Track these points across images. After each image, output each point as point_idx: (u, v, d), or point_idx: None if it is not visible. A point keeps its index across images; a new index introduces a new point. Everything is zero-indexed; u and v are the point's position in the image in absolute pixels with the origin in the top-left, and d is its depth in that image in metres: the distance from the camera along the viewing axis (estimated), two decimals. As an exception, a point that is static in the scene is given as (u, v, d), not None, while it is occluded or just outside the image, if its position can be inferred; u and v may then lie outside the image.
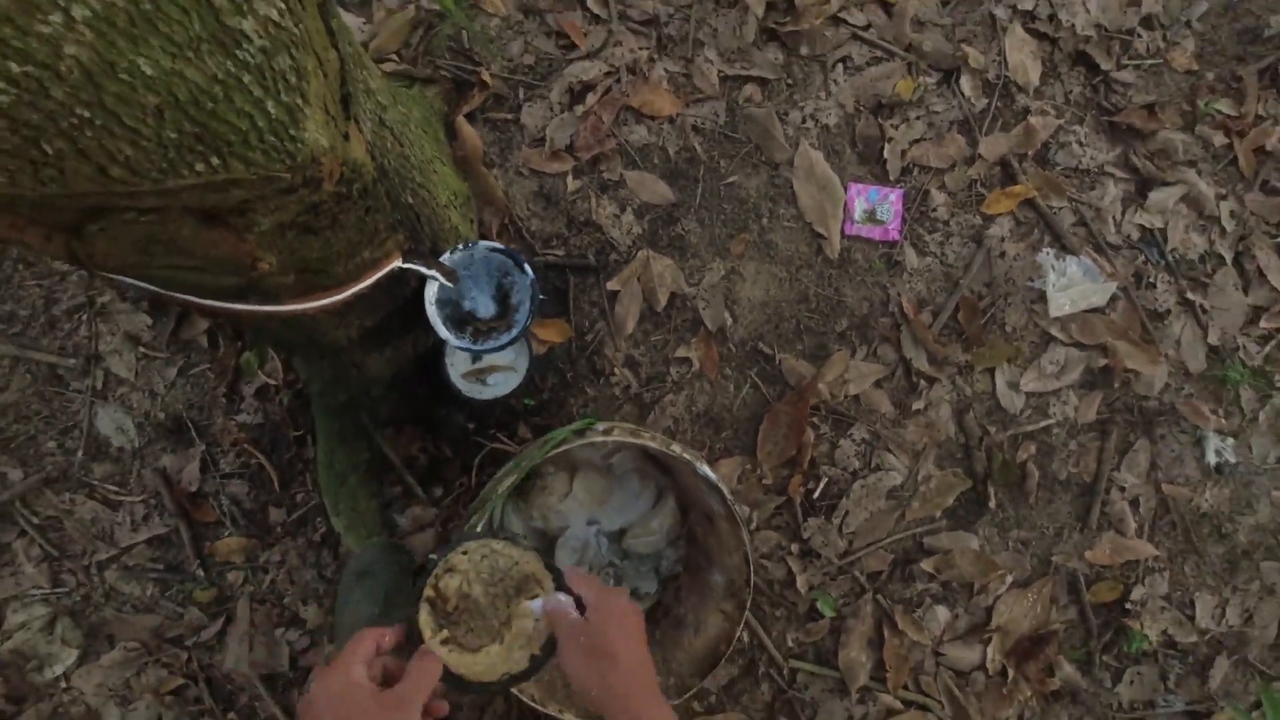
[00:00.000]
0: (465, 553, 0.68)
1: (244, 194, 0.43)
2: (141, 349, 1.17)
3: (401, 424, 1.14)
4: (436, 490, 1.17)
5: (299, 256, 0.60)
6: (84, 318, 1.17)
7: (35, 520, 1.15)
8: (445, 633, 0.65)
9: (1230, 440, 1.30)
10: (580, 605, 0.67)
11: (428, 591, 0.66)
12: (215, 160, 0.39)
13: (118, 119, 0.35)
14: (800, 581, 1.21)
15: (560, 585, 0.69)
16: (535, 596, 0.68)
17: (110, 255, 0.46)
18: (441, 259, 0.88)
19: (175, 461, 1.16)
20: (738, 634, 0.91)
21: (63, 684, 1.14)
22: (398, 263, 0.78)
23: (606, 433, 0.86)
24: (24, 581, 1.14)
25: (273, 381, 1.15)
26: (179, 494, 1.15)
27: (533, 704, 0.89)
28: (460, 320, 0.96)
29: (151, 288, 0.57)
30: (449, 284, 0.85)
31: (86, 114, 0.35)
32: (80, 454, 1.16)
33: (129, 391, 1.17)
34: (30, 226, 0.44)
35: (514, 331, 0.93)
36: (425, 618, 0.65)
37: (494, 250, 0.93)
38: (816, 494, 1.22)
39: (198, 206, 0.44)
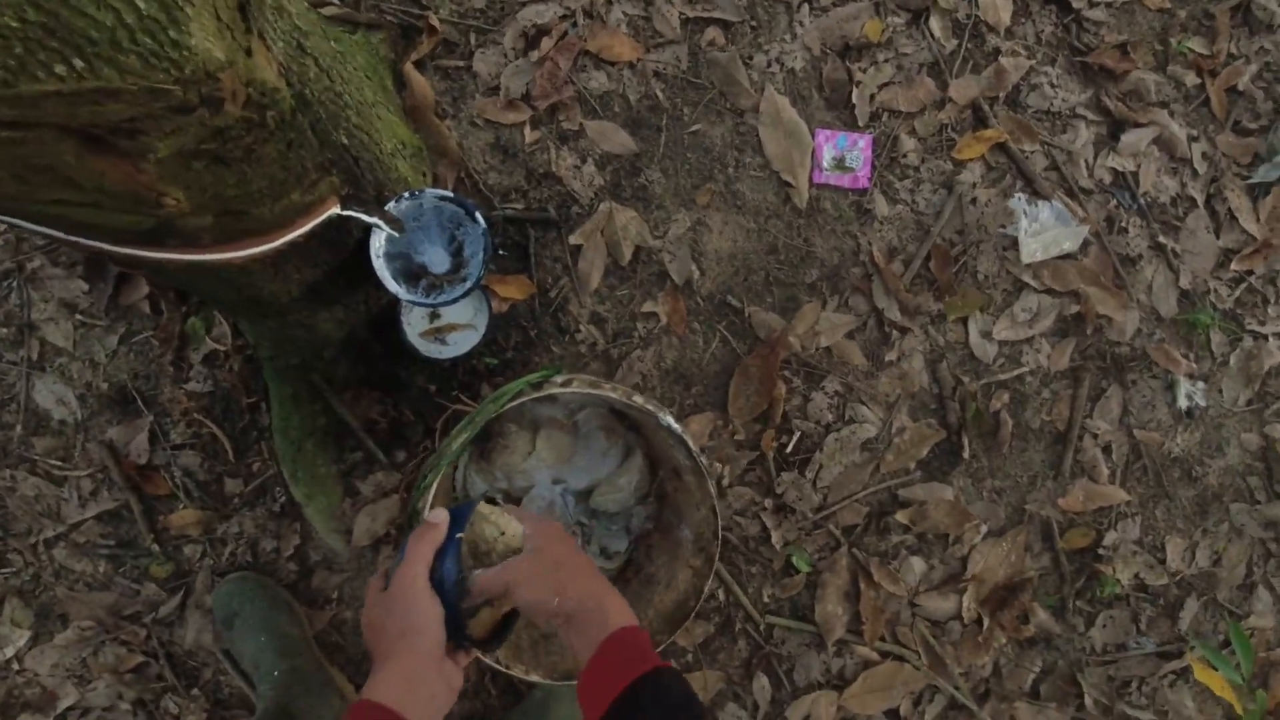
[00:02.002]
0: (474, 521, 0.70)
1: (125, 109, 0.39)
2: (79, 316, 1.11)
3: (359, 387, 1.10)
4: (399, 454, 1.13)
5: (214, 194, 0.55)
6: (14, 284, 1.10)
7: (-24, 499, 1.11)
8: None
9: (1201, 384, 1.30)
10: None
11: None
12: (78, 63, 0.35)
13: (-67, -5, 0.30)
14: (775, 537, 1.19)
15: None
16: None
17: (-17, 184, 0.41)
18: (386, 208, 0.84)
19: (122, 433, 1.11)
20: (707, 588, 0.89)
21: (15, 666, 1.10)
22: (335, 209, 0.73)
23: (565, 384, 0.82)
24: (-32, 562, 1.10)
25: (221, 347, 1.10)
26: (128, 467, 1.11)
27: (496, 666, 0.87)
28: (413, 275, 0.92)
29: (47, 230, 0.52)
30: (394, 233, 0.81)
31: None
32: (19, 428, 1.11)
33: (68, 361, 1.12)
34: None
35: (467, 284, 0.89)
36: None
37: (443, 199, 0.88)
38: (789, 449, 1.20)
39: (73, 124, 0.39)
